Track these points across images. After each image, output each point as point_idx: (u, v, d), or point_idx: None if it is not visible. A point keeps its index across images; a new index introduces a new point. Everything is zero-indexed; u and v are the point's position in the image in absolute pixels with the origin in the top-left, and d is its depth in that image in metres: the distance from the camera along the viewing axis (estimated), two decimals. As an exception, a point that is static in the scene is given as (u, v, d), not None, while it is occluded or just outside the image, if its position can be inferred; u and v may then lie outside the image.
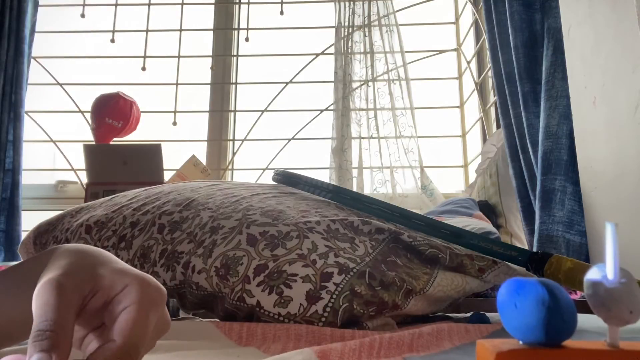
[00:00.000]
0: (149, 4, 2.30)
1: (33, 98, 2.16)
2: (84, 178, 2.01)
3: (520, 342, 0.22)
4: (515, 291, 0.21)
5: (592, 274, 0.22)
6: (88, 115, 2.09)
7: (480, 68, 2.12)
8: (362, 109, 2.10)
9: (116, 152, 1.94)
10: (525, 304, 0.21)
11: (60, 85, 2.22)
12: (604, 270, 0.21)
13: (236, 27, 2.35)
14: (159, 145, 1.91)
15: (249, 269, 0.61)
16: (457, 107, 2.24)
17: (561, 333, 0.21)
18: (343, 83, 2.11)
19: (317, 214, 0.72)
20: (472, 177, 2.00)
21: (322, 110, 2.18)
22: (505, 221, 1.60)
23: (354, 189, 1.99)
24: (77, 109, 2.19)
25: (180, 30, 2.29)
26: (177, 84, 2.24)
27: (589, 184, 1.13)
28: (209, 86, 2.29)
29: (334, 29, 2.18)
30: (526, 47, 1.39)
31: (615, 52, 1.00)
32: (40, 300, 0.27)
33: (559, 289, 0.21)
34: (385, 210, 0.77)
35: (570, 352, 0.21)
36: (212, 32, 2.33)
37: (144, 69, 2.22)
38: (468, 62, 2.15)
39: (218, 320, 0.64)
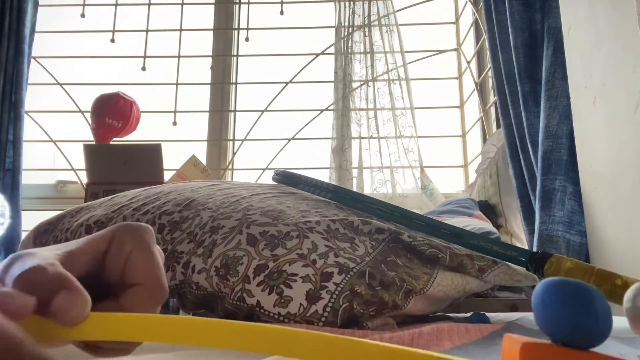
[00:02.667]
0: (149, 4, 2.30)
1: (33, 98, 2.16)
2: (84, 178, 2.01)
3: (549, 341, 0.21)
4: (551, 289, 0.21)
5: (633, 292, 0.21)
6: (88, 115, 2.09)
7: (480, 68, 2.12)
8: (362, 109, 2.10)
9: (116, 152, 1.94)
10: (558, 303, 0.21)
11: (60, 85, 2.22)
12: None
13: (236, 27, 2.35)
14: (159, 145, 1.91)
15: (249, 268, 0.61)
16: (457, 107, 2.24)
17: (592, 338, 0.20)
18: (343, 83, 2.10)
19: (317, 214, 0.72)
20: (472, 177, 2.00)
21: (322, 110, 2.18)
22: (505, 221, 1.60)
23: (354, 189, 1.99)
24: (77, 109, 2.19)
25: (180, 30, 2.29)
26: (177, 84, 2.24)
27: (589, 184, 1.13)
28: (209, 86, 2.29)
29: (334, 29, 2.18)
30: (526, 47, 1.39)
31: (615, 52, 1.00)
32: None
33: (597, 293, 0.21)
34: (385, 210, 0.77)
35: (595, 358, 0.20)
36: (212, 32, 2.33)
37: (144, 69, 2.22)
38: (468, 62, 2.15)
39: (218, 320, 0.64)
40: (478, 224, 1.38)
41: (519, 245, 1.40)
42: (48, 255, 0.25)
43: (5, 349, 0.18)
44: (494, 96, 1.76)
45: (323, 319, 0.56)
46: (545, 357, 0.20)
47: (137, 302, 0.27)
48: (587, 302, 0.20)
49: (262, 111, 2.20)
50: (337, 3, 2.19)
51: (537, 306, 0.21)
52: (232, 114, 2.29)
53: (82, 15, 2.24)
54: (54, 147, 2.18)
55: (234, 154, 2.21)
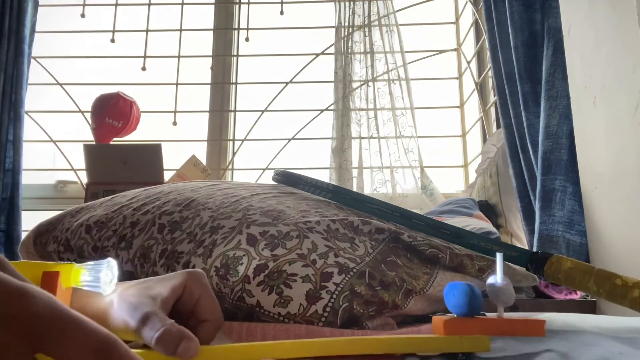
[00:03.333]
0: (149, 4, 2.30)
1: (33, 98, 2.16)
2: (84, 178, 2.01)
3: (455, 315, 0.41)
4: (453, 288, 0.41)
5: (490, 280, 0.42)
6: (88, 115, 2.09)
7: (480, 68, 2.12)
8: (362, 109, 2.10)
9: (116, 152, 1.94)
10: (457, 294, 0.41)
11: (60, 85, 2.22)
12: (495, 278, 0.42)
13: (236, 27, 2.35)
14: (159, 145, 1.91)
15: (248, 268, 0.61)
16: (457, 107, 2.24)
17: (476, 309, 0.40)
18: (343, 83, 2.11)
19: (317, 214, 0.72)
20: (472, 177, 2.00)
21: (322, 110, 2.18)
22: (505, 221, 1.60)
23: (354, 189, 1.99)
24: (77, 109, 2.19)
25: (180, 30, 2.29)
26: (177, 84, 2.24)
27: (589, 184, 1.13)
28: (209, 86, 2.29)
29: (334, 29, 2.18)
30: (526, 47, 1.39)
31: (615, 52, 1.00)
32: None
33: (474, 286, 0.40)
34: (385, 210, 0.77)
35: (480, 320, 0.41)
36: (212, 32, 2.33)
37: (144, 69, 2.22)
38: (468, 62, 2.15)
39: (218, 320, 0.64)
40: (478, 224, 1.38)
41: (519, 245, 1.40)
42: (159, 311, 0.38)
43: None
44: (494, 96, 1.76)
45: (323, 319, 0.56)
46: (455, 324, 0.40)
47: (209, 333, 0.42)
48: (468, 292, 0.40)
49: (262, 111, 2.20)
50: (337, 3, 2.19)
51: (446, 297, 0.41)
52: (232, 114, 2.29)
53: (82, 15, 2.24)
54: (54, 147, 2.18)
55: (234, 154, 2.21)
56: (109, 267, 0.41)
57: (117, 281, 0.42)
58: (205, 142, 2.24)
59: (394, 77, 2.11)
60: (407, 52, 2.14)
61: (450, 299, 0.41)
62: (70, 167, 2.14)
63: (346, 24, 2.17)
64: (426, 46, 2.23)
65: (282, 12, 2.25)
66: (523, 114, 1.38)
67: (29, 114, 2.15)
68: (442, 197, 1.95)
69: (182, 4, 2.31)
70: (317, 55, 2.23)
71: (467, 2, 2.16)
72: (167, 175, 1.95)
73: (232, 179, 2.22)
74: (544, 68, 1.31)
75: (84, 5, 2.24)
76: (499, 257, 0.42)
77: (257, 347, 0.37)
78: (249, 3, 2.33)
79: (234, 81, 2.31)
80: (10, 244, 1.92)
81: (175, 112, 2.20)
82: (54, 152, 2.20)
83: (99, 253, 0.75)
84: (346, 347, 0.40)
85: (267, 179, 2.05)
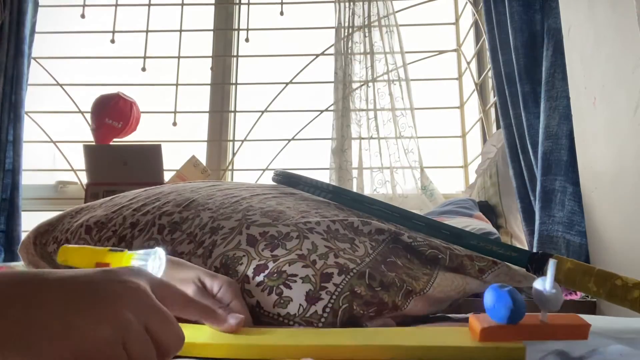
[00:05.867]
0: (149, 4, 2.30)
1: (33, 98, 2.16)
2: (84, 178, 2.01)
3: (496, 322, 0.41)
4: (495, 298, 0.40)
5: (538, 284, 0.42)
6: (88, 116, 2.09)
7: (480, 68, 2.12)
8: (362, 110, 2.10)
9: (116, 153, 1.94)
10: (499, 306, 0.40)
11: (60, 85, 2.22)
12: (544, 284, 0.41)
13: (236, 27, 2.35)
14: (159, 145, 1.91)
15: (248, 268, 0.61)
16: (457, 107, 2.24)
17: (517, 319, 0.40)
18: (343, 83, 2.10)
19: (317, 215, 0.72)
20: (472, 177, 2.00)
21: (322, 111, 2.18)
22: (505, 222, 1.60)
23: (354, 189, 1.99)
24: (77, 110, 2.19)
25: (180, 30, 2.29)
26: (177, 85, 2.24)
27: (589, 185, 1.13)
28: (209, 87, 2.29)
29: (334, 30, 2.18)
30: (526, 47, 1.39)
31: (615, 52, 1.00)
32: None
33: (517, 295, 0.39)
34: (385, 210, 0.77)
35: (522, 326, 0.40)
36: (212, 32, 2.33)
37: (144, 69, 2.22)
38: (468, 63, 2.15)
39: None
40: (478, 224, 1.38)
41: (519, 245, 1.40)
42: None
43: None
44: (494, 97, 1.76)
45: (323, 319, 0.56)
46: (493, 331, 0.40)
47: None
48: (510, 307, 0.39)
49: (262, 112, 2.20)
50: (337, 3, 2.19)
51: (486, 305, 0.40)
52: (232, 114, 2.29)
53: (82, 16, 2.24)
54: (54, 148, 2.18)
55: (234, 154, 2.21)
56: (157, 256, 0.42)
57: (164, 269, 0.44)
58: (205, 143, 2.24)
59: (394, 77, 2.11)
60: (407, 52, 2.14)
61: (491, 308, 0.40)
62: (70, 168, 2.14)
63: (346, 24, 2.17)
64: (426, 47, 2.23)
65: (282, 13, 2.25)
66: (523, 114, 1.38)
67: (29, 114, 2.15)
68: (442, 198, 1.95)
69: (182, 4, 2.31)
70: (317, 55, 2.23)
71: (467, 3, 2.16)
72: (167, 176, 1.95)
73: (232, 179, 2.22)
74: (543, 69, 1.31)
75: (84, 5, 2.24)
76: (551, 264, 0.40)
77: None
78: (249, 3, 2.33)
79: (233, 82, 2.31)
80: (10, 245, 1.92)
81: (175, 112, 2.20)
82: (53, 153, 2.20)
83: (98, 253, 0.75)
84: (374, 353, 0.41)
85: (267, 179, 2.04)
